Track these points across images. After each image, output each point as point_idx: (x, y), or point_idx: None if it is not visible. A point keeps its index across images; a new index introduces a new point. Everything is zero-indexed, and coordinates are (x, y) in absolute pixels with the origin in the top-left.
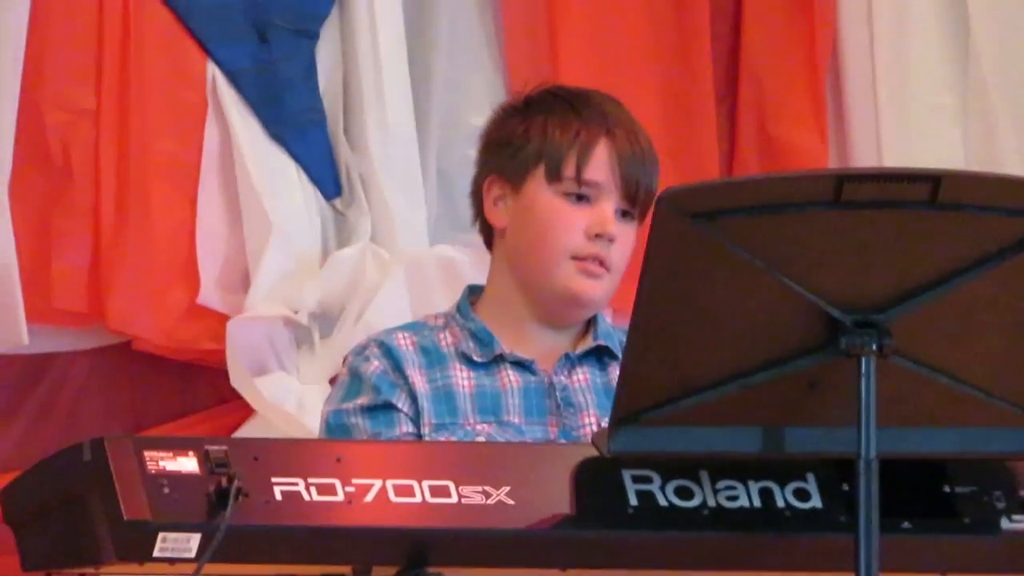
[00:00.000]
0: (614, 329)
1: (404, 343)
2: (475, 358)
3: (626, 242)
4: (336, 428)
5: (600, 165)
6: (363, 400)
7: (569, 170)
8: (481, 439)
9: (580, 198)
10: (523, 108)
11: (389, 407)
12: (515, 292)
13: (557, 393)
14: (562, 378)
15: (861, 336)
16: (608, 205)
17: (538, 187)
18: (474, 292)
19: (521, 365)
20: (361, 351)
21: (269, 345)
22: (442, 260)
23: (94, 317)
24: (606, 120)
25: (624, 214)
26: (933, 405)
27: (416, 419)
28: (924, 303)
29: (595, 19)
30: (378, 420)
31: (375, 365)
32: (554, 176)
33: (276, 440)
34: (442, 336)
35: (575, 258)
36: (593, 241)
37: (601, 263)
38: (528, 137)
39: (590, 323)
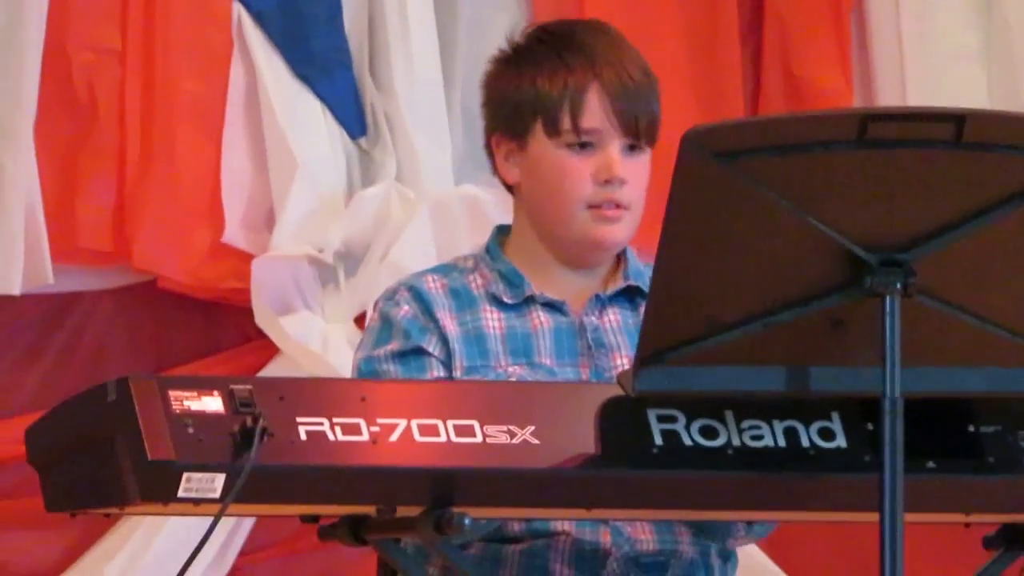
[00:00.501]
0: (645, 267)
1: (434, 286)
2: (505, 300)
3: (640, 175)
4: (368, 375)
5: (594, 111)
6: (394, 346)
7: (565, 122)
8: (513, 380)
9: (584, 146)
10: (513, 60)
11: (420, 352)
12: (538, 240)
13: (588, 334)
14: (593, 319)
15: (886, 275)
16: (612, 148)
17: (541, 143)
18: (503, 232)
19: (552, 306)
20: (391, 296)
21: (294, 284)
22: (467, 199)
23: (119, 256)
24: (593, 62)
25: (631, 147)
26: (958, 344)
27: (448, 362)
28: (949, 242)
29: None
30: (409, 366)
31: (405, 310)
32: (552, 131)
33: (301, 379)
34: (472, 278)
35: (590, 206)
36: (604, 186)
37: (617, 205)
38: (521, 95)
39: (620, 262)
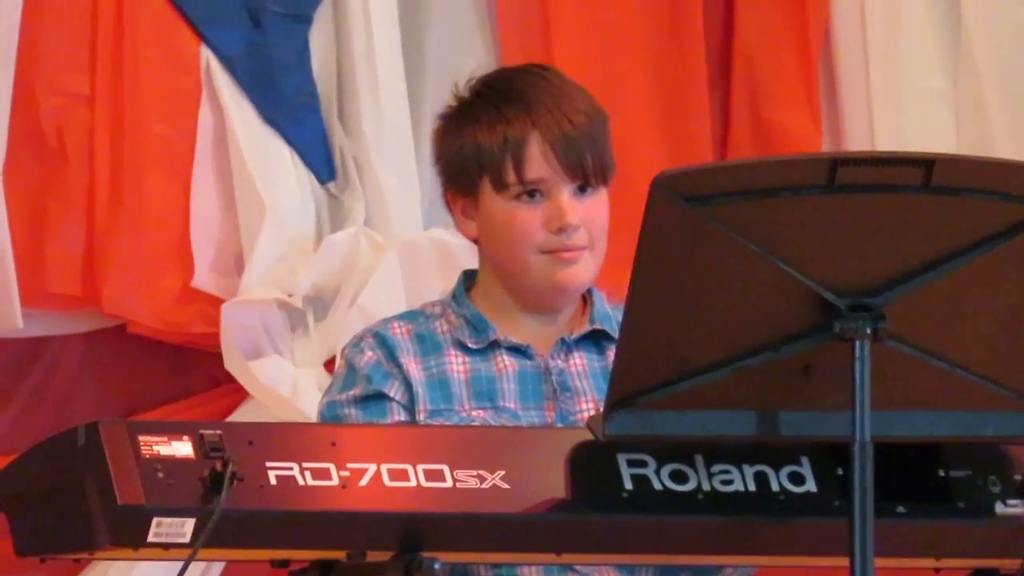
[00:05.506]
0: (613, 309)
1: (399, 332)
2: (470, 344)
3: (595, 215)
4: (329, 419)
5: (536, 162)
6: (356, 391)
7: (510, 176)
8: (476, 424)
9: (532, 194)
10: (456, 117)
11: (381, 397)
12: (502, 289)
13: (553, 377)
14: (558, 362)
15: (855, 320)
16: (561, 195)
17: (490, 198)
18: (470, 278)
19: (517, 350)
20: (357, 343)
21: (263, 328)
22: (436, 243)
23: (88, 301)
24: (530, 111)
25: (583, 188)
26: (927, 389)
27: (410, 407)
28: (918, 287)
29: (588, 3)
30: (370, 410)
31: (369, 356)
32: (499, 185)
33: (271, 424)
34: (438, 324)
35: (545, 252)
36: (558, 234)
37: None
38: (464, 153)
39: (586, 305)
